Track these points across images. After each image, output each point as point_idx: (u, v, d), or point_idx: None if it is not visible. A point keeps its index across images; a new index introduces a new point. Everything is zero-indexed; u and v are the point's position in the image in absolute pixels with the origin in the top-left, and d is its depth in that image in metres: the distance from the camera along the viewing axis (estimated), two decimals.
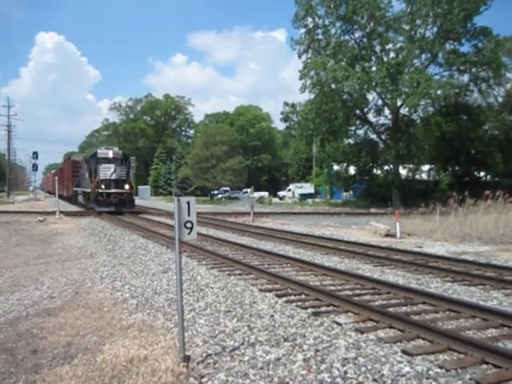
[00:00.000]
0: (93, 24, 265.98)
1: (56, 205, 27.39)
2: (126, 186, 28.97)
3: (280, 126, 68.62)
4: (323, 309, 7.13)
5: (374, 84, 38.55)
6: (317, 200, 59.38)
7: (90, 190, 28.94)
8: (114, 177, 28.61)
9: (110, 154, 29.89)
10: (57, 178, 35.98)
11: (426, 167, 49.62)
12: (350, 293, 8.19)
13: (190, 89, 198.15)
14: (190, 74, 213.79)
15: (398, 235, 17.70)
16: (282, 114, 43.98)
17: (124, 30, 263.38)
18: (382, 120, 44.39)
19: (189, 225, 5.08)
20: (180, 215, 5.03)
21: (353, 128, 45.61)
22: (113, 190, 28.16)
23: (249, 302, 7.36)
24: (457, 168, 45.82)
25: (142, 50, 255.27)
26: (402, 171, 44.87)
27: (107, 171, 28.56)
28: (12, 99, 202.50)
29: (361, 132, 46.33)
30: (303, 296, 7.93)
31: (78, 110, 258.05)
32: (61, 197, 41.33)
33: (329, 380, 4.51)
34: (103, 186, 28.01)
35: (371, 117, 44.31)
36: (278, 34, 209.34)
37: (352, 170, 47.63)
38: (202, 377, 4.70)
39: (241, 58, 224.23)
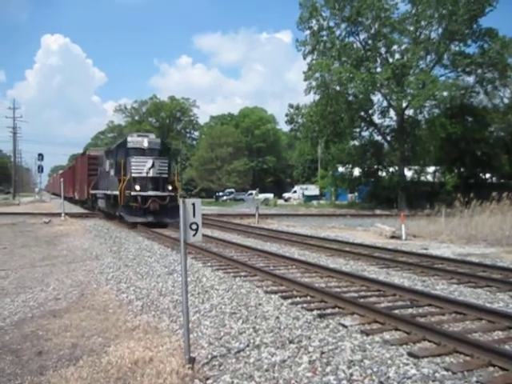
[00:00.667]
0: (98, 26, 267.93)
1: (61, 206, 27.47)
2: (169, 187, 21.64)
3: (285, 127, 68.56)
4: (329, 311, 7.11)
5: (378, 85, 38.52)
6: (322, 202, 59.30)
7: (117, 193, 21.21)
8: (151, 174, 21.19)
9: (145, 143, 22.01)
10: (62, 179, 35.44)
11: (431, 169, 49.52)
12: (356, 295, 8.15)
13: (196, 90, 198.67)
14: (196, 75, 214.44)
15: (404, 237, 17.66)
16: (286, 116, 43.96)
17: (130, 32, 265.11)
18: (387, 122, 44.43)
19: (194, 226, 5.08)
20: (185, 217, 5.03)
21: (358, 130, 45.56)
22: (151, 193, 20.77)
23: (254, 304, 7.35)
24: (462, 170, 45.69)
25: (148, 51, 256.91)
26: (408, 173, 44.77)
27: (142, 166, 21.19)
28: (17, 101, 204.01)
29: (366, 134, 46.38)
30: (308, 298, 7.91)
31: (84, 111, 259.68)
32: (71, 200, 40.21)
33: (334, 382, 4.49)
34: (137, 188, 20.64)
35: (376, 118, 44.35)
36: (283, 35, 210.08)
37: (357, 171, 47.57)
38: (208, 379, 4.69)
39: (246, 60, 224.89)
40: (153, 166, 21.12)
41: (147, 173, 21.09)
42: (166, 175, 21.98)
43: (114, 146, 24.10)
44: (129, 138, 22.62)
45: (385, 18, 39.32)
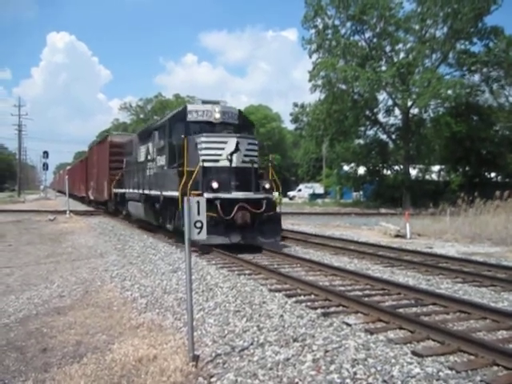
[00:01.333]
0: (104, 24, 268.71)
1: (66, 204, 27.54)
2: (266, 185, 13.63)
3: (290, 126, 68.60)
4: (333, 309, 7.11)
5: (384, 84, 38.40)
6: (327, 200, 59.19)
7: (174, 195, 13.16)
8: (235, 163, 12.99)
9: (217, 114, 14.52)
10: (67, 176, 34.93)
11: (436, 168, 49.35)
12: (360, 293, 8.15)
13: (201, 89, 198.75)
14: (201, 73, 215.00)
15: (408, 236, 17.63)
16: (291, 115, 43.96)
17: (135, 30, 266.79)
18: (392, 120, 44.27)
19: (198, 224, 5.09)
20: (190, 215, 5.03)
21: (362, 128, 45.47)
22: (238, 195, 12.79)
23: (258, 302, 7.33)
24: (467, 168, 45.49)
25: (153, 49, 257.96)
26: (412, 172, 44.69)
27: (218, 150, 13.09)
28: (23, 99, 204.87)
29: (371, 132, 46.24)
30: (313, 296, 7.91)
31: (89, 109, 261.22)
32: (84, 201, 37.17)
33: (338, 381, 4.47)
34: (215, 186, 12.56)
35: (381, 117, 44.22)
36: (289, 33, 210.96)
37: (362, 170, 47.52)
38: (211, 376, 4.70)
39: (252, 58, 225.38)
40: (237, 148, 12.94)
41: (230, 160, 12.92)
42: (257, 164, 13.94)
43: (165, 120, 15.81)
44: (189, 107, 14.94)
45: (390, 16, 39.20)
